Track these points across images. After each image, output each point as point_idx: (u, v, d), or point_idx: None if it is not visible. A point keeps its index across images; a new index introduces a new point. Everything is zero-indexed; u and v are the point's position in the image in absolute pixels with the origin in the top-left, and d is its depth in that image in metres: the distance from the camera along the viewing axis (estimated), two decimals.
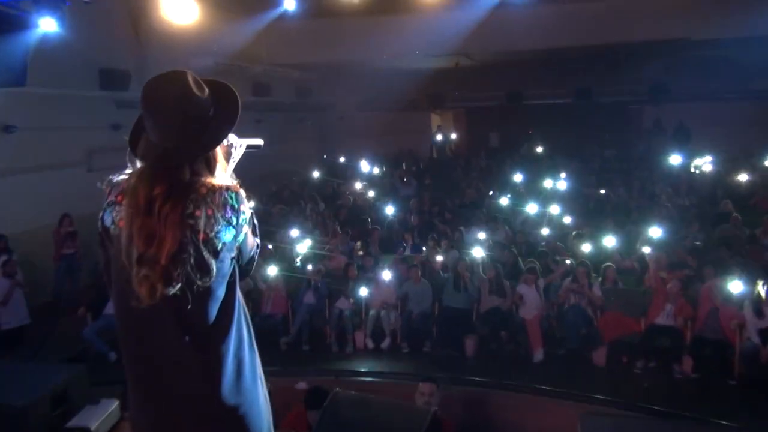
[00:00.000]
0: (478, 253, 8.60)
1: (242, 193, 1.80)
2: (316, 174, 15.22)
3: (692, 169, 13.77)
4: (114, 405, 3.89)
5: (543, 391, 6.91)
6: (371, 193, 13.80)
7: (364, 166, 15.46)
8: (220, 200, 1.72)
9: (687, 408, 6.44)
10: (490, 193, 13.41)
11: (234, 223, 1.75)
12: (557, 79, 17.27)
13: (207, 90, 1.78)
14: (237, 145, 1.92)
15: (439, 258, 9.03)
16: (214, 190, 1.72)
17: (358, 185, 14.28)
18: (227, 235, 1.73)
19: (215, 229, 1.70)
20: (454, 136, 20.47)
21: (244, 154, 1.99)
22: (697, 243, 9.52)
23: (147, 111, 1.73)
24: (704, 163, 13.82)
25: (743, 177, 12.48)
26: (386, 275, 8.26)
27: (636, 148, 17.89)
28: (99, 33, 10.28)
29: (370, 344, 8.23)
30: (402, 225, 11.54)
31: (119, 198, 1.76)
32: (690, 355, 7.20)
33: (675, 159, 14.05)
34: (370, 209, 12.82)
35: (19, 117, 9.31)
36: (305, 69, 16.36)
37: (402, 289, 8.48)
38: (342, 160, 16.32)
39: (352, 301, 8.37)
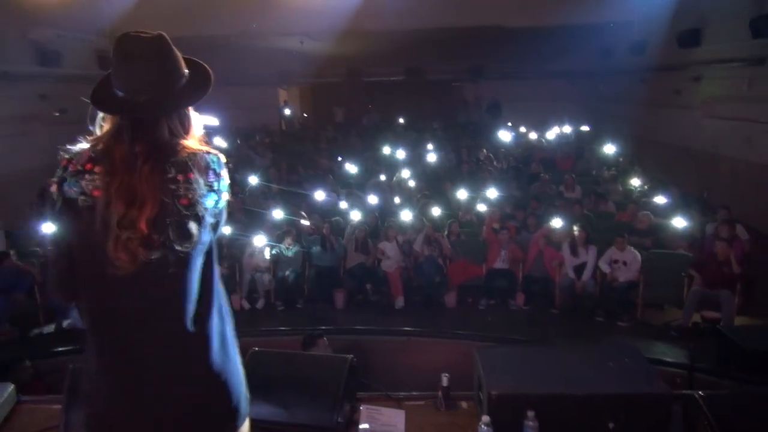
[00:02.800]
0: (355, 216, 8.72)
1: (223, 157, 1.63)
2: None
3: (508, 138, 14.80)
4: (9, 388, 3.36)
5: (407, 332, 7.22)
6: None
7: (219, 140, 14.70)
8: (202, 164, 1.54)
9: (522, 334, 7.08)
10: (339, 158, 13.48)
11: (216, 188, 1.58)
12: (391, 59, 17.57)
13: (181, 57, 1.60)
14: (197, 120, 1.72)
15: (306, 222, 8.92)
16: (195, 153, 1.55)
17: None
18: (209, 201, 1.56)
19: (197, 193, 1.52)
20: (299, 110, 20.20)
21: None
22: (516, 197, 10.38)
23: (123, 59, 1.51)
24: (518, 132, 14.98)
25: (549, 142, 13.79)
26: (259, 240, 7.96)
27: (459, 120, 18.93)
28: None
29: (246, 305, 7.98)
30: (263, 192, 11.21)
31: (88, 166, 1.51)
32: (522, 291, 7.90)
33: (494, 129, 15.11)
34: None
35: None
36: None
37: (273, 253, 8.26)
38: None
39: (226, 265, 8.00)
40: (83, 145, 1.57)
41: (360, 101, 19.32)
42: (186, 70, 1.61)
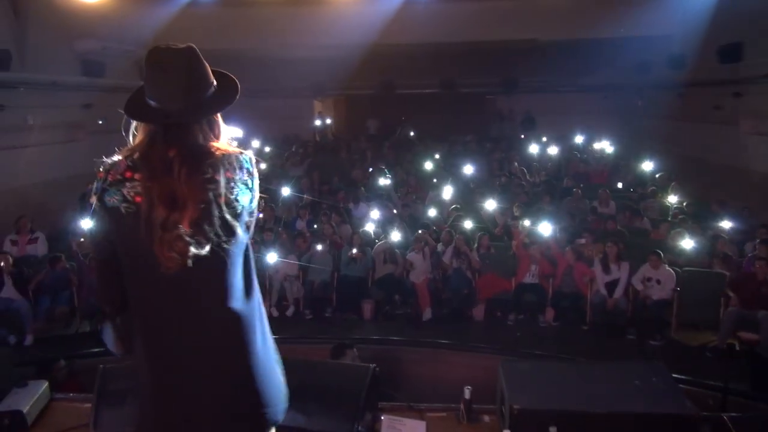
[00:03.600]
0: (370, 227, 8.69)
1: (253, 157, 1.70)
2: None
3: (540, 151, 14.64)
4: (43, 386, 3.48)
5: (435, 344, 7.18)
6: (262, 166, 13.34)
7: (255, 143, 14.88)
8: (236, 164, 1.62)
9: (551, 350, 6.96)
10: (370, 170, 13.55)
11: (250, 186, 1.65)
12: (425, 71, 17.61)
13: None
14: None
15: (333, 232, 8.97)
16: (229, 153, 1.62)
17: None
18: (245, 199, 1.63)
19: (234, 192, 1.59)
20: (333, 121, 20.39)
21: None
22: (549, 210, 10.23)
23: (154, 70, 1.58)
24: (551, 146, 14.81)
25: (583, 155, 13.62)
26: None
27: (491, 133, 18.84)
28: None
29: (275, 313, 8.06)
30: (296, 202, 11.33)
31: (128, 174, 1.57)
32: (551, 306, 7.78)
33: (526, 143, 15.00)
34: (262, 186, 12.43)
35: None
36: None
37: (303, 261, 8.36)
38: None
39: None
40: (117, 157, 1.64)
41: (394, 113, 19.41)
42: (214, 80, 1.67)
